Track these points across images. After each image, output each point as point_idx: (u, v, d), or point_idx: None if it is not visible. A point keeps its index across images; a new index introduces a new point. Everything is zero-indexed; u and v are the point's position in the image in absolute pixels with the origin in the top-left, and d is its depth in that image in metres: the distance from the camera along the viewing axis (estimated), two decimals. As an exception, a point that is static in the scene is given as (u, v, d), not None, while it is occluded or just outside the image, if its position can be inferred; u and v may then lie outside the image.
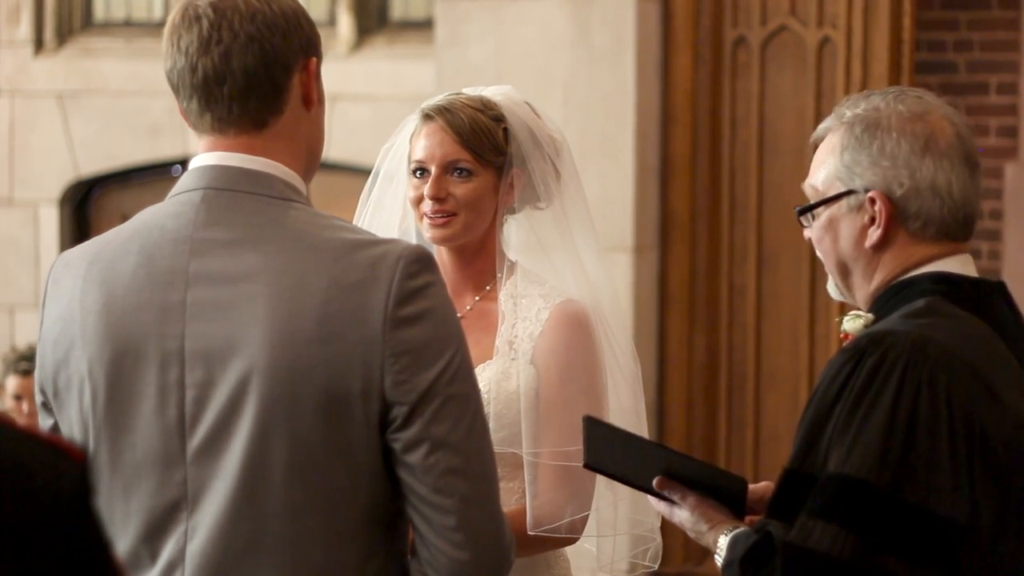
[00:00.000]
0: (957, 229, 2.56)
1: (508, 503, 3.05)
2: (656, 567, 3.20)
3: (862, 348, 2.42)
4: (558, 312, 3.05)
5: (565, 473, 3.00)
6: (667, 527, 3.22)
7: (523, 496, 3.03)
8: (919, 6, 6.67)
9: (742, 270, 6.57)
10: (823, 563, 2.35)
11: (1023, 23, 7.20)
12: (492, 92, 3.15)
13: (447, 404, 2.26)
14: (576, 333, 3.05)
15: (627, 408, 3.11)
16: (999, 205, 7.26)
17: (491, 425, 2.97)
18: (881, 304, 2.55)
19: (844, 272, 2.59)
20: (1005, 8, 7.20)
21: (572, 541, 3.07)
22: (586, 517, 3.05)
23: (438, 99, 3.13)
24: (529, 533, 2.97)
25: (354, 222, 3.19)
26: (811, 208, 2.59)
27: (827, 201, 2.57)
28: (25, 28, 7.98)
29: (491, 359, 3.06)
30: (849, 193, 2.56)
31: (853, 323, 2.55)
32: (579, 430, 3.00)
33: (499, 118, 3.09)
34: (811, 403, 2.46)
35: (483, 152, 3.06)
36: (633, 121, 6.43)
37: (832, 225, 2.58)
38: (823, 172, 2.60)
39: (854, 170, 2.55)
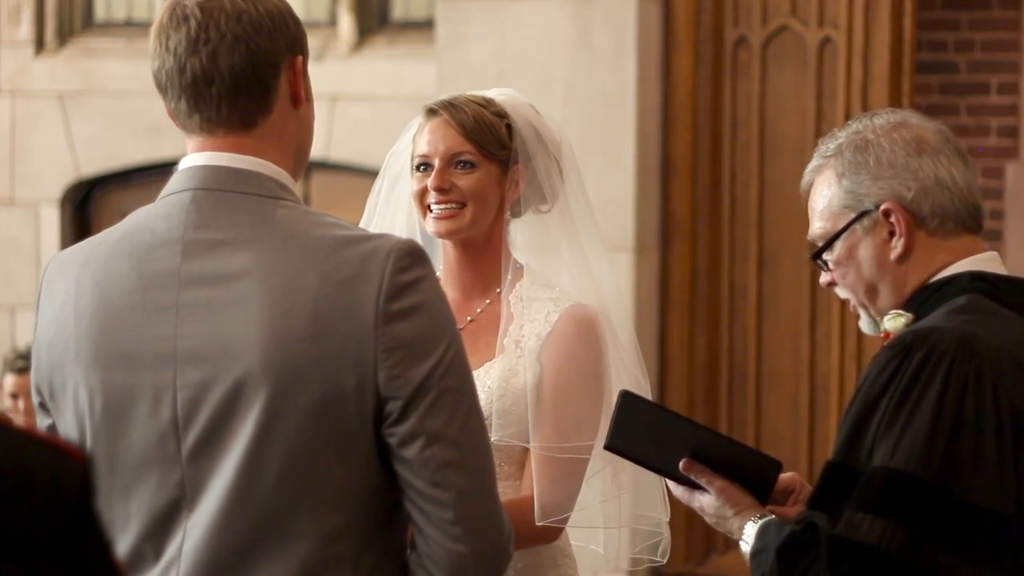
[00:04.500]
0: (970, 219, 2.60)
1: None
2: (664, 561, 3.20)
3: (908, 344, 2.45)
4: (568, 315, 3.06)
5: (560, 468, 3.00)
6: (672, 524, 3.22)
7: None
8: (920, 6, 6.67)
9: (743, 270, 6.57)
10: (871, 556, 2.37)
11: (1024, 23, 7.20)
12: (494, 93, 3.17)
13: (442, 397, 2.26)
14: (584, 335, 3.05)
15: None
16: (999, 205, 7.26)
17: (497, 423, 2.98)
18: (919, 303, 2.57)
19: (873, 296, 2.60)
20: (1006, 8, 7.20)
21: (550, 540, 3.06)
22: (566, 518, 3.05)
23: (442, 96, 3.15)
24: (537, 523, 2.98)
25: (361, 226, 3.19)
26: (828, 245, 2.60)
27: (842, 231, 2.59)
28: (26, 28, 7.98)
29: (497, 358, 3.06)
30: (862, 216, 2.57)
31: (894, 322, 2.57)
32: (576, 428, 3.00)
33: (502, 114, 3.11)
34: (856, 397, 2.48)
35: (487, 145, 3.07)
36: (634, 121, 6.43)
37: (852, 254, 2.59)
38: (826, 210, 2.61)
39: (859, 192, 2.57)
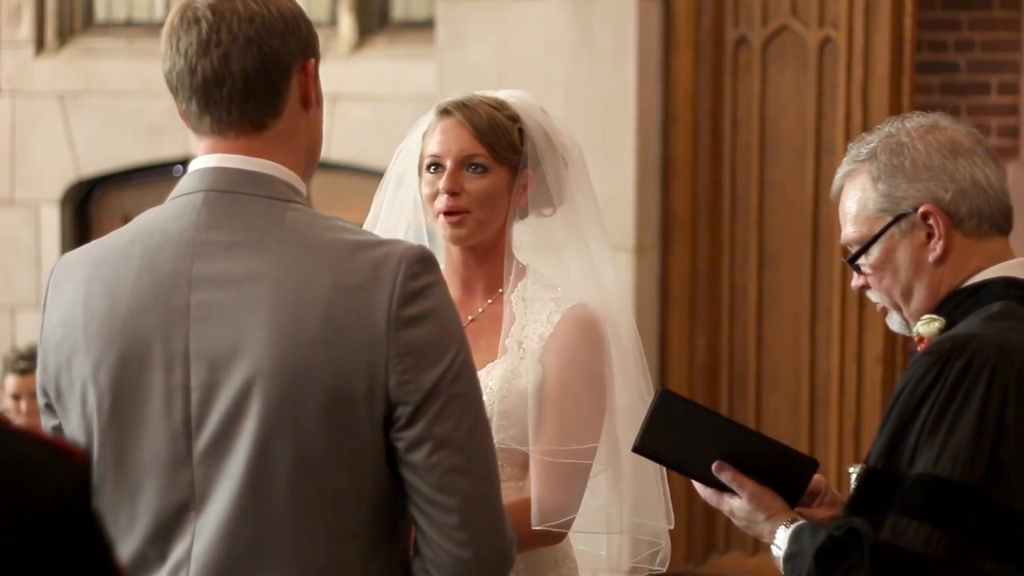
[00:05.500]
0: (1003, 220, 2.62)
1: None
2: (664, 570, 3.19)
3: (947, 351, 2.46)
4: (570, 315, 3.05)
5: (560, 473, 2.99)
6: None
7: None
8: (920, 6, 6.67)
9: (743, 270, 6.57)
10: (917, 562, 2.39)
11: (1024, 23, 7.20)
12: (505, 95, 3.15)
13: (450, 403, 2.27)
14: (586, 337, 3.04)
15: (626, 411, 3.10)
16: (1000, 205, 7.26)
17: (499, 423, 2.98)
18: (952, 308, 2.58)
19: (908, 298, 2.60)
20: (1006, 8, 7.20)
21: (553, 542, 3.05)
22: (571, 520, 3.04)
23: (455, 96, 3.13)
24: (534, 528, 2.97)
25: (366, 223, 3.19)
26: (865, 249, 2.60)
27: (879, 235, 2.59)
28: (26, 28, 7.98)
29: (499, 359, 3.06)
30: (899, 219, 2.57)
31: (928, 327, 2.58)
32: (578, 430, 2.99)
33: (515, 118, 3.09)
34: (895, 404, 2.49)
35: (499, 149, 3.05)
36: (634, 121, 6.43)
37: (888, 258, 2.60)
38: (861, 214, 2.61)
39: (895, 195, 2.58)
